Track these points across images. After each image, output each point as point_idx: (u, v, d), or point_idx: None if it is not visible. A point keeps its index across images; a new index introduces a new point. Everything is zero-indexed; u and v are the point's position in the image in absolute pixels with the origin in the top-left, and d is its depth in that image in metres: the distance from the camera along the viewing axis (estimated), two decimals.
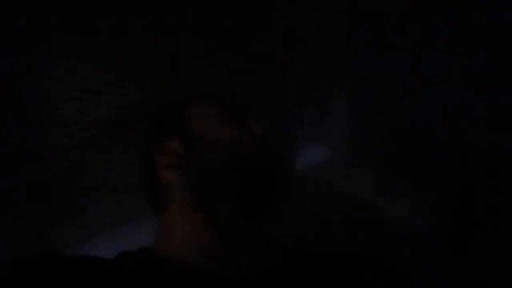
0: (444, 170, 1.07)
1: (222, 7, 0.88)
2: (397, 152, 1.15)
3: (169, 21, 0.86)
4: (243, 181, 0.50)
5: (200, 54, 0.93)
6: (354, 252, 0.56)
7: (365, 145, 1.23)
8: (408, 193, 1.14)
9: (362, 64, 1.09)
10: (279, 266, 0.49)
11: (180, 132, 0.57)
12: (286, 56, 1.03)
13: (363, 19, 0.97)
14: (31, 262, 0.42)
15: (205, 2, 0.87)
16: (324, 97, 1.20)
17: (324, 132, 1.27)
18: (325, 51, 1.06)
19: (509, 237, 0.89)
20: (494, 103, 0.93)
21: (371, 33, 0.99)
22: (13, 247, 0.85)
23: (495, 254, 0.91)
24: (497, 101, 0.93)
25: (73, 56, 0.83)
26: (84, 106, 0.89)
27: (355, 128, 1.26)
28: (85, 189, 0.93)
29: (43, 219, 0.90)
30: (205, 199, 0.51)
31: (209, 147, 0.53)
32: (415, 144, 1.13)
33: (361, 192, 1.18)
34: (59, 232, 0.90)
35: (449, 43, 0.93)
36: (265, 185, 0.51)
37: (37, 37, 0.78)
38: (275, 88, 1.07)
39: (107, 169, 0.94)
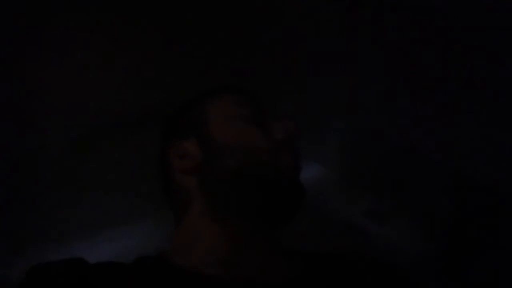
0: (438, 192, 1.06)
1: (222, 7, 0.88)
2: (391, 173, 1.15)
3: (169, 21, 0.86)
4: (262, 189, 0.49)
5: (200, 54, 0.93)
6: (356, 255, 0.55)
7: (359, 165, 1.23)
8: (401, 217, 1.14)
9: (360, 94, 1.10)
10: (299, 273, 0.48)
11: (197, 131, 0.54)
12: (286, 63, 1.03)
13: (365, 56, 1.00)
14: (54, 270, 0.42)
15: (205, 3, 0.87)
16: (321, 115, 1.20)
17: (320, 149, 1.27)
18: (323, 77, 1.08)
19: (506, 259, 0.89)
20: (489, 132, 0.94)
21: (370, 67, 1.01)
22: (13, 246, 0.85)
23: (492, 276, 0.91)
24: (492, 132, 0.94)
25: (74, 57, 0.83)
26: (84, 106, 0.89)
27: (350, 146, 1.26)
28: (85, 189, 0.94)
29: (43, 218, 0.90)
30: (223, 208, 0.50)
31: (226, 153, 0.50)
32: (408, 164, 1.12)
33: (353, 211, 1.18)
34: (58, 232, 0.90)
35: (446, 79, 0.95)
36: (284, 192, 0.50)
37: (38, 36, 0.78)
38: (274, 91, 1.08)
39: (107, 169, 0.94)
